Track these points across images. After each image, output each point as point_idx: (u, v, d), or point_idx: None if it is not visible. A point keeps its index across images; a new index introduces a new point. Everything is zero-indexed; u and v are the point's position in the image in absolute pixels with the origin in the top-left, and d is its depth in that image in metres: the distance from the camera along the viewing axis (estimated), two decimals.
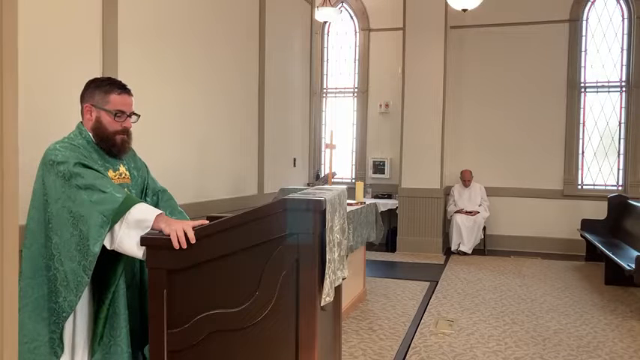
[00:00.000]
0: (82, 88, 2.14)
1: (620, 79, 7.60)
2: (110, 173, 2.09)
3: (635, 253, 4.93)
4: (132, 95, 2.16)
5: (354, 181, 8.27)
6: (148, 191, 2.31)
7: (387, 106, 8.40)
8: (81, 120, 2.13)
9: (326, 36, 8.81)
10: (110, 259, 1.97)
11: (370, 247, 6.08)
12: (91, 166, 1.99)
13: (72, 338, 2.01)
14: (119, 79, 2.22)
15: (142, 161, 2.34)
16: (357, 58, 8.68)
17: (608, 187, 7.61)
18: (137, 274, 2.17)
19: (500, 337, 4.04)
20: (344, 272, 2.23)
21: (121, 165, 2.17)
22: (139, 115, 2.18)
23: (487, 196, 7.69)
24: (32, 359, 1.92)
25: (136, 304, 2.12)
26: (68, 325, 1.99)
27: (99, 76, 2.18)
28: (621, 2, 7.57)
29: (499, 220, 7.84)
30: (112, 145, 2.11)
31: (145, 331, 2.06)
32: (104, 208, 1.88)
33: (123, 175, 2.15)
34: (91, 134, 2.10)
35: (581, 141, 7.71)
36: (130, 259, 2.04)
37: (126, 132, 2.13)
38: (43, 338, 1.93)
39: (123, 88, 2.13)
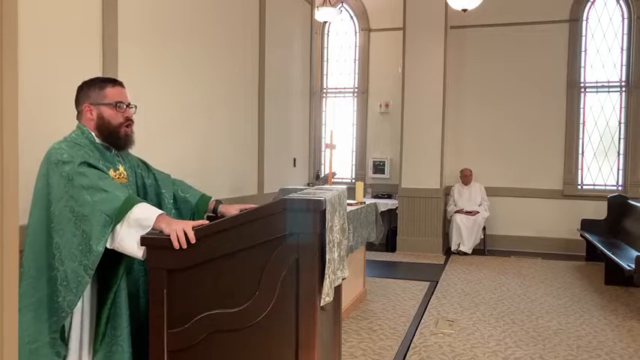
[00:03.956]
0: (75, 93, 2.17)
1: (620, 79, 7.60)
2: (111, 172, 2.10)
3: (635, 253, 4.93)
4: (124, 87, 2.20)
5: (354, 181, 8.28)
6: (166, 184, 2.37)
7: (387, 106, 8.40)
8: (79, 122, 2.14)
9: (326, 36, 8.81)
10: (112, 260, 1.97)
11: (370, 247, 6.08)
12: (96, 165, 2.00)
13: (73, 339, 2.01)
14: (119, 78, 2.23)
15: (136, 159, 2.35)
16: (357, 58, 8.68)
17: (608, 187, 7.61)
18: (136, 275, 2.16)
19: (500, 337, 4.04)
20: (344, 272, 2.23)
21: (120, 165, 2.18)
22: (136, 106, 2.22)
23: (487, 196, 7.69)
24: None
25: (134, 305, 2.12)
26: (75, 326, 2.00)
27: (87, 79, 2.19)
28: (621, 2, 7.57)
29: (499, 220, 7.83)
30: (117, 137, 2.15)
31: (138, 332, 2.08)
32: (107, 207, 1.89)
33: (122, 175, 2.16)
34: (93, 133, 2.12)
35: (581, 141, 7.71)
36: (131, 260, 2.04)
37: (129, 123, 2.17)
38: (45, 339, 1.93)
39: (115, 81, 2.18)
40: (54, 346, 1.94)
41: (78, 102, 2.15)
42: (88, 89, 2.13)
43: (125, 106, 2.15)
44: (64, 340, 1.96)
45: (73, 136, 2.09)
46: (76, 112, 2.16)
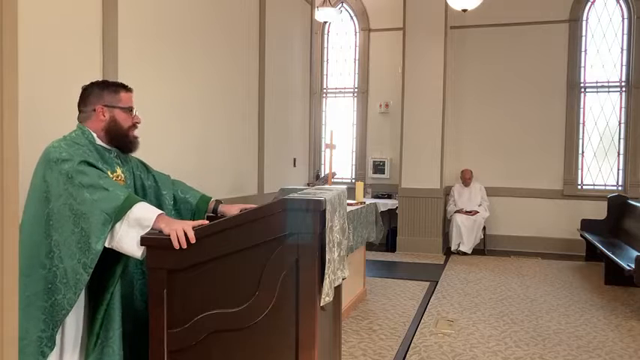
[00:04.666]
0: (81, 93, 2.16)
1: (620, 79, 7.60)
2: (109, 175, 2.09)
3: (635, 253, 4.93)
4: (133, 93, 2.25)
5: (354, 181, 8.27)
6: (166, 186, 2.38)
7: (387, 106, 8.40)
8: (79, 123, 2.14)
9: (326, 36, 8.81)
10: (109, 260, 1.97)
11: (370, 247, 6.08)
12: (95, 164, 2.00)
13: (60, 339, 1.99)
14: (119, 78, 2.24)
15: (136, 161, 2.35)
16: (357, 58, 8.68)
17: (608, 187, 7.61)
18: (129, 278, 2.16)
19: (500, 337, 4.04)
20: (344, 272, 2.23)
21: (119, 168, 2.18)
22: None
23: (487, 196, 7.69)
24: (18, 358, 1.90)
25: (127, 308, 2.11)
26: (68, 326, 1.99)
27: (95, 81, 2.19)
28: (621, 2, 7.56)
29: (499, 220, 7.83)
30: (128, 140, 2.18)
31: (136, 333, 2.07)
32: (107, 206, 1.89)
33: (119, 178, 2.15)
34: (94, 134, 2.11)
35: (581, 141, 7.71)
36: (125, 260, 2.03)
37: (136, 127, 2.21)
38: (31, 337, 1.90)
39: (127, 87, 2.21)
40: (40, 345, 1.91)
41: (87, 102, 2.13)
42: (102, 91, 2.13)
43: (134, 112, 2.20)
44: (51, 338, 1.93)
45: (72, 135, 2.09)
46: (79, 112, 2.15)
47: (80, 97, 2.16)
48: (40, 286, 1.92)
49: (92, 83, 2.17)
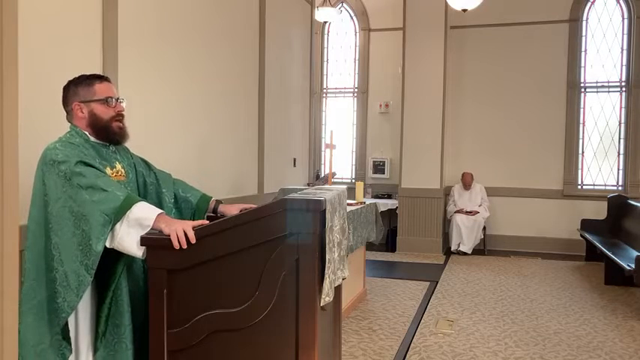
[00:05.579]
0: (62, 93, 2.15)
1: (620, 79, 7.60)
2: (108, 171, 2.09)
3: (635, 253, 4.93)
4: (111, 82, 2.20)
5: (354, 181, 8.27)
6: (167, 184, 2.35)
7: (387, 106, 8.40)
8: (70, 123, 2.14)
9: (326, 36, 8.81)
10: (110, 258, 1.97)
11: (370, 247, 6.08)
12: (92, 164, 1.99)
13: (75, 338, 2.01)
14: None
15: (138, 158, 2.35)
16: (357, 58, 8.68)
17: (608, 187, 7.61)
18: (138, 273, 2.16)
19: (500, 337, 4.04)
20: (344, 272, 2.23)
21: (118, 163, 2.18)
22: (124, 99, 2.21)
23: (487, 196, 7.69)
24: None
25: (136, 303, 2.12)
26: (71, 326, 2.00)
27: (72, 78, 2.17)
28: (621, 2, 7.56)
29: (499, 220, 7.83)
30: (112, 132, 2.14)
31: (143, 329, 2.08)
32: (106, 207, 1.89)
33: (119, 173, 2.16)
34: (86, 132, 2.11)
35: (581, 141, 7.71)
36: (132, 258, 2.04)
37: (120, 117, 2.16)
38: (48, 340, 1.93)
39: (102, 77, 2.17)
40: (59, 348, 1.94)
41: (66, 101, 2.13)
42: (76, 87, 2.12)
43: (115, 101, 2.14)
44: (68, 340, 1.96)
45: (67, 135, 2.09)
46: (66, 113, 2.15)
47: (62, 97, 2.15)
48: (49, 290, 1.93)
49: (69, 81, 2.15)
